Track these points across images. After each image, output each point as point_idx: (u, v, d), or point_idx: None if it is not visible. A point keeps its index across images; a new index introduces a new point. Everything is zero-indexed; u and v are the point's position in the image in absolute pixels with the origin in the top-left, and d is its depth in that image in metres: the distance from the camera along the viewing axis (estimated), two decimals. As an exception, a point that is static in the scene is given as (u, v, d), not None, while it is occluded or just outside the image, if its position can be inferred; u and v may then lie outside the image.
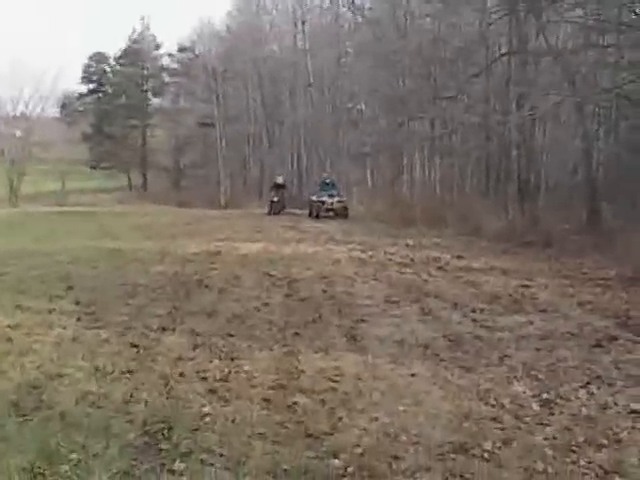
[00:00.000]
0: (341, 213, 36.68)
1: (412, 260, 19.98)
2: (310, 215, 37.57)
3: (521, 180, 31.37)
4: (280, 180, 43.48)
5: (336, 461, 6.50)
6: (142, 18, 78.00)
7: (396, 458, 6.58)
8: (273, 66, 62.58)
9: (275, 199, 41.32)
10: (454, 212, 30.60)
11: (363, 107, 51.05)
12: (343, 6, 54.98)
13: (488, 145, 35.45)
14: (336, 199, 37.73)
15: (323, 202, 37.32)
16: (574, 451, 6.74)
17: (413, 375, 9.08)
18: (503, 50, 33.82)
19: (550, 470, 6.36)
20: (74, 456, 6.44)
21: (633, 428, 7.27)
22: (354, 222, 31.36)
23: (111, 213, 44.26)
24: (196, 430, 7.17)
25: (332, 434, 7.13)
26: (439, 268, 18.49)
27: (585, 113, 27.77)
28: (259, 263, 19.26)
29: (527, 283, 15.95)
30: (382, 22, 46.95)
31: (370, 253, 21.61)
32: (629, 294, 14.58)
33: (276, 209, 40.77)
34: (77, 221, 35.74)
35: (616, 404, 8.00)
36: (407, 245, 23.38)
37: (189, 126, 70.69)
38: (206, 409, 7.77)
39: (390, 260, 20.17)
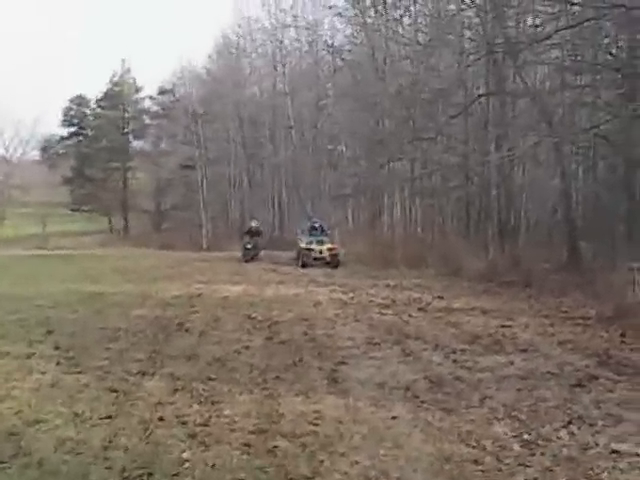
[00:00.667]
0: (332, 261, 32.88)
1: (393, 301, 19.98)
2: (298, 264, 33.61)
3: (501, 220, 31.55)
4: (254, 224, 40.22)
5: (317, 506, 6.49)
6: (123, 61, 78.36)
7: (377, 502, 6.56)
8: (253, 108, 62.83)
9: (248, 245, 38.00)
10: (434, 252, 30.68)
11: (343, 149, 51.17)
12: (322, 49, 55.36)
13: (468, 185, 35.64)
14: (326, 246, 33.97)
15: (311, 249, 33.63)
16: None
17: (394, 418, 9.06)
18: (481, 91, 34.07)
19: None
20: (52, 504, 6.39)
21: (614, 468, 7.27)
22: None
23: (92, 256, 44.12)
24: (175, 475, 7.13)
25: (313, 478, 7.10)
26: (420, 309, 18.49)
27: (563, 153, 27.96)
28: (240, 306, 19.23)
29: (508, 323, 15.97)
30: (362, 65, 47.29)
31: (351, 295, 21.60)
32: (609, 333, 14.63)
33: (248, 255, 37.43)
34: (58, 264, 35.63)
35: (597, 444, 8.00)
36: (388, 286, 23.40)
37: (170, 168, 70.72)
38: (186, 454, 7.72)
39: (371, 302, 20.16)
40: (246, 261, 36.57)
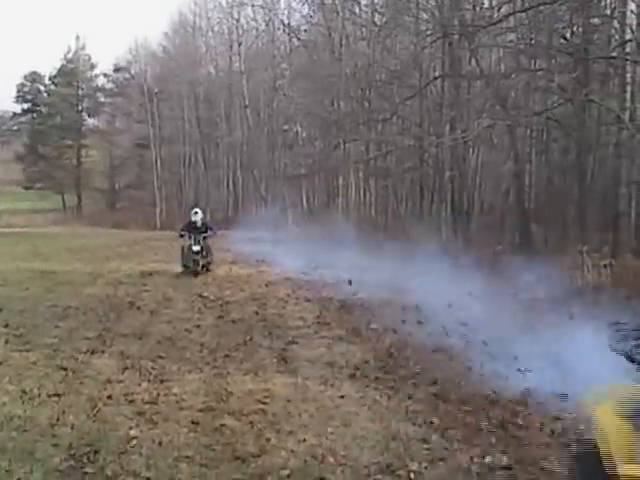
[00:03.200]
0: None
1: (344, 281, 20.03)
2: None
3: (454, 202, 31.66)
4: (198, 217, 24.04)
5: (263, 483, 6.52)
6: (77, 37, 77.43)
7: (323, 479, 6.61)
8: (209, 87, 62.47)
9: (195, 248, 22.77)
10: (388, 234, 30.77)
11: (299, 129, 51.03)
12: (279, 28, 55.08)
13: (422, 167, 35.72)
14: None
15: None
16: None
17: (342, 397, 9.13)
18: (437, 73, 34.16)
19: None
20: (-3, 481, 6.37)
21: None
22: (290, 245, 31.30)
23: (44, 234, 43.75)
24: (123, 453, 7.13)
25: (260, 456, 7.14)
26: (370, 290, 18.54)
27: (517, 136, 28.15)
28: (191, 285, 19.19)
29: (457, 304, 16.04)
30: (318, 45, 47.21)
31: (302, 275, 21.62)
32: (558, 314, 14.75)
33: (196, 265, 22.66)
34: (8, 242, 35.23)
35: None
36: (340, 267, 23.43)
37: (125, 147, 70.24)
38: (133, 432, 7.73)
39: (323, 282, 20.21)
40: (195, 274, 22.05)
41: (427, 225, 31.63)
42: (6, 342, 11.92)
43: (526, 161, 31.32)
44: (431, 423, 8.15)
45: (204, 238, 22.75)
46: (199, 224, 23.18)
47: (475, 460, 7.06)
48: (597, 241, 22.00)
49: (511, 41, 28.16)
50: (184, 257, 22.48)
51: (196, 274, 21.72)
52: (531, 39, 27.13)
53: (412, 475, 6.72)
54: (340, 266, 23.15)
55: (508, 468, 6.86)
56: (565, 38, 26.46)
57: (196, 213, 23.69)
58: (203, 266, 22.56)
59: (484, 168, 35.80)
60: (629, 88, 25.29)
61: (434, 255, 24.83)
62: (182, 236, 22.89)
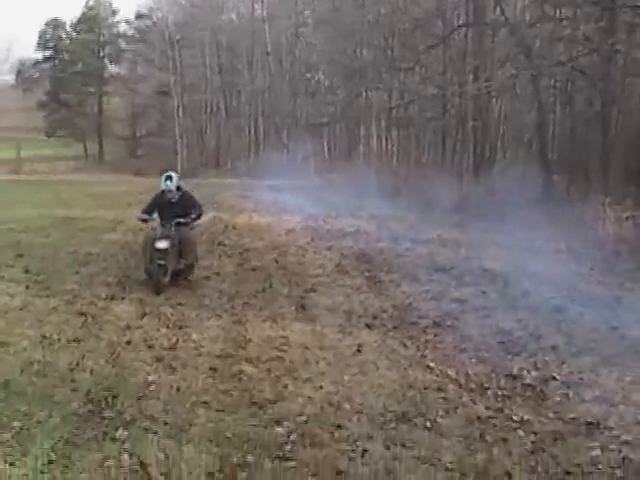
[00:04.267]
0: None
1: (365, 231, 19.99)
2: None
3: (477, 152, 31.51)
4: (173, 187, 13.50)
5: (279, 429, 6.55)
6: (98, -17, 76.99)
7: (339, 427, 6.64)
8: (231, 34, 62.05)
9: (161, 245, 12.61)
10: (410, 183, 30.63)
11: (321, 77, 50.77)
12: (301, -25, 54.64)
13: (445, 117, 35.48)
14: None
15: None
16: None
17: (360, 345, 9.14)
18: (460, 22, 33.82)
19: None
20: (17, 424, 6.43)
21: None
22: (311, 193, 31.23)
23: (66, 182, 43.77)
24: (141, 398, 7.19)
25: (276, 402, 7.20)
26: (391, 239, 18.50)
27: (540, 86, 27.86)
28: (212, 232, 19.17)
29: (478, 255, 16.01)
30: (341, -8, 46.76)
31: (322, 223, 21.58)
32: (579, 266, 14.70)
33: (160, 275, 12.45)
34: (31, 189, 35.31)
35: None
36: (360, 217, 23.37)
37: (146, 94, 69.85)
38: (152, 377, 7.80)
39: (342, 230, 20.16)
40: (156, 289, 12.28)
41: (449, 175, 31.50)
42: (27, 288, 11.98)
43: (549, 111, 31.06)
44: (448, 374, 8.17)
45: (178, 225, 12.91)
46: (174, 199, 13.27)
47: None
48: (620, 193, 21.81)
49: (536, -11, 27.83)
50: (146, 257, 12.84)
51: (158, 288, 12.10)
52: (556, -13, 26.81)
53: (428, 424, 6.74)
54: (361, 215, 23.13)
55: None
56: (591, -14, 26.09)
57: (169, 179, 13.36)
58: (177, 274, 12.84)
59: (507, 118, 35.57)
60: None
61: (456, 205, 24.82)
62: (145, 220, 13.47)
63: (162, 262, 12.34)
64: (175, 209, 13.12)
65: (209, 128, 64.64)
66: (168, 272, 12.42)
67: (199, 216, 13.52)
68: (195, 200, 13.68)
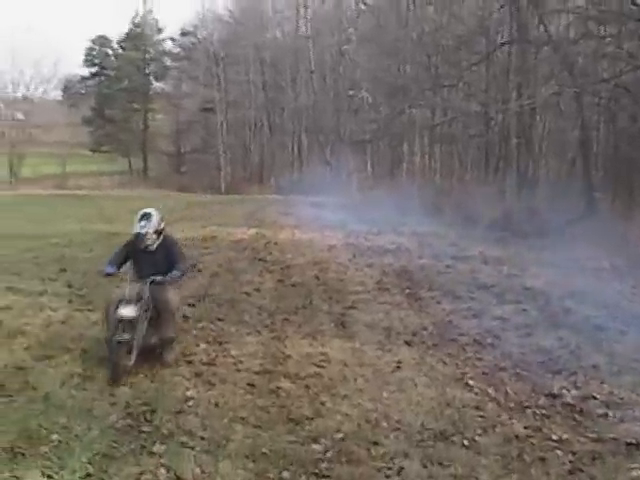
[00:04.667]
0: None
1: (406, 248, 19.95)
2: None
3: (520, 169, 31.39)
4: (150, 230, 9.82)
5: (316, 446, 6.55)
6: (144, 1, 77.87)
7: (375, 444, 6.63)
8: (275, 52, 62.42)
9: (125, 312, 8.83)
10: (452, 200, 30.56)
11: (364, 94, 50.80)
12: (345, -7, 54.87)
13: (488, 133, 35.40)
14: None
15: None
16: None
17: (399, 362, 9.12)
18: (504, 39, 33.75)
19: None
20: (55, 437, 6.50)
21: None
22: (353, 210, 31.20)
23: (110, 197, 44.17)
24: (179, 413, 7.23)
25: (314, 419, 7.20)
26: (432, 256, 18.45)
27: (584, 103, 27.68)
28: (253, 248, 19.24)
29: (520, 273, 15.93)
30: (384, 10, 46.89)
31: (363, 240, 21.57)
32: (622, 284, 14.56)
33: (118, 355, 8.48)
34: (75, 204, 35.70)
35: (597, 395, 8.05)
36: (402, 233, 23.32)
37: (190, 111, 70.39)
38: (190, 392, 7.84)
39: (383, 247, 20.14)
40: (114, 379, 8.30)
41: (492, 192, 31.39)
42: (69, 302, 12.10)
43: (593, 129, 30.85)
44: (487, 392, 8.12)
45: (154, 283, 9.41)
46: (152, 247, 9.89)
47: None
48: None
49: (580, 6, 27.71)
50: (105, 326, 9.27)
51: (116, 375, 8.38)
52: (600, 4, 26.65)
53: (466, 442, 6.71)
54: (402, 232, 23.09)
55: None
56: (635, 4, 25.88)
57: (145, 218, 9.94)
58: (148, 351, 9.19)
59: (550, 135, 35.39)
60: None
61: (498, 222, 24.70)
62: (109, 274, 9.89)
63: (126, 337, 8.66)
64: (153, 260, 9.69)
65: (253, 145, 64.90)
66: (134, 351, 8.77)
67: (185, 273, 10.04)
68: (180, 249, 10.20)
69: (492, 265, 16.96)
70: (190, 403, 7.51)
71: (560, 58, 26.68)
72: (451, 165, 41.51)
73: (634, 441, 6.77)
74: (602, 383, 8.46)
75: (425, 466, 6.24)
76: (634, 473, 6.16)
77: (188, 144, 73.26)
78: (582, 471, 6.18)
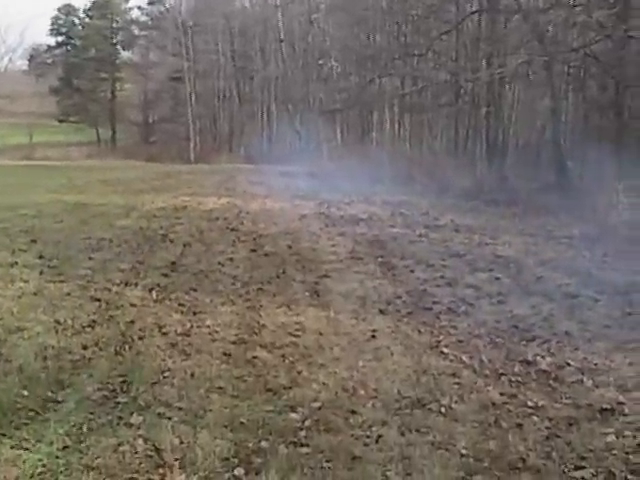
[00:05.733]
0: None
1: (379, 217, 19.98)
2: None
3: (489, 138, 31.46)
4: None
5: (294, 415, 6.54)
6: (111, -31, 76.99)
7: (353, 412, 6.62)
8: (244, 21, 62.08)
9: None
10: (423, 169, 30.60)
11: (334, 63, 50.68)
12: (315, -39, 54.56)
13: (457, 103, 35.44)
14: None
15: None
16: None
17: (374, 331, 9.13)
18: (473, 8, 33.74)
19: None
20: (31, 409, 6.43)
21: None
22: (324, 179, 31.17)
23: (79, 167, 43.82)
24: (155, 384, 7.17)
25: (291, 388, 7.17)
26: (405, 225, 18.51)
27: (554, 72, 27.74)
28: (225, 218, 19.19)
29: (491, 241, 16.00)
30: (354, -22, 46.66)
31: (334, 210, 21.56)
32: (592, 252, 14.64)
33: None
34: (44, 175, 35.36)
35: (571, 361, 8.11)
36: (373, 202, 23.34)
37: (159, 80, 69.92)
38: (166, 363, 7.78)
39: (355, 216, 20.15)
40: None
41: (462, 161, 31.50)
42: (40, 273, 11.98)
43: (563, 98, 30.99)
44: (462, 360, 8.15)
45: None
46: None
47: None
48: (634, 179, 21.75)
49: (550, -26, 27.71)
50: None
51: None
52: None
53: (443, 409, 6.72)
54: (374, 201, 23.12)
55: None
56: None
57: None
58: None
59: (520, 104, 35.49)
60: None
61: (469, 191, 24.79)
62: None
63: None
64: None
65: (222, 114, 64.68)
66: None
67: None
68: None
69: (464, 234, 17.04)
70: (166, 374, 7.45)
71: (530, 27, 26.71)
72: (421, 134, 41.57)
73: (609, 406, 6.81)
74: (576, 350, 8.50)
75: (403, 434, 6.23)
76: (609, 438, 6.19)
77: (157, 114, 72.87)
78: (559, 437, 6.20)
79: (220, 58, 62.63)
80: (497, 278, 12.24)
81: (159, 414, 6.47)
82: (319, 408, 6.68)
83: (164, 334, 8.84)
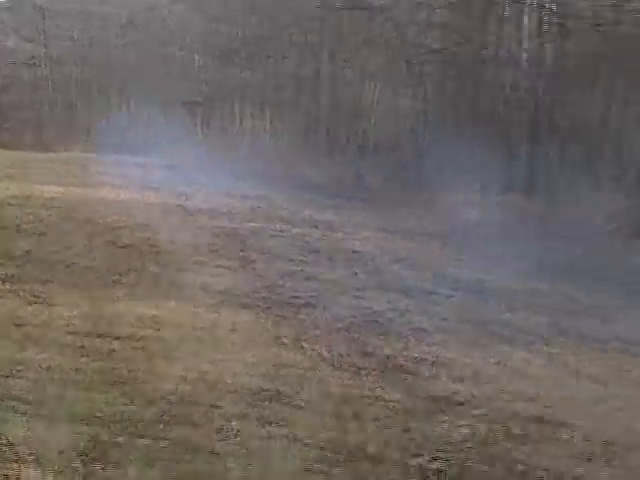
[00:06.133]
0: None
1: (238, 211, 19.93)
2: None
3: (349, 137, 31.75)
4: None
5: (152, 409, 6.49)
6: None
7: (212, 406, 6.62)
8: (101, 7, 60.93)
9: None
10: (282, 164, 30.67)
11: (196, 56, 50.35)
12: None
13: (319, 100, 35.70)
14: None
15: None
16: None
17: (234, 324, 9.13)
18: (339, 5, 33.93)
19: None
20: None
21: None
22: (183, 172, 30.79)
23: None
24: (7, 377, 6.99)
25: (149, 382, 7.10)
26: (264, 219, 18.50)
27: (414, 72, 28.20)
28: (80, 209, 18.80)
29: (349, 237, 16.19)
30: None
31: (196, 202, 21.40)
32: (446, 250, 14.93)
33: None
34: None
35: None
36: (233, 195, 23.25)
37: (13, 66, 68.16)
38: (19, 356, 7.59)
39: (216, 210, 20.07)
40: None
41: (322, 157, 31.74)
42: None
43: (423, 99, 31.52)
44: (320, 354, 8.23)
45: None
46: None
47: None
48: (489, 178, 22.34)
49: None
50: None
51: None
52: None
53: (302, 403, 6.78)
54: (234, 195, 23.06)
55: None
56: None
57: None
58: None
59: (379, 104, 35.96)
60: None
61: (329, 187, 25.00)
62: None
63: None
64: None
65: (78, 102, 63.33)
66: None
67: None
68: None
69: (323, 229, 17.17)
70: (19, 367, 7.29)
71: (392, 27, 27.07)
72: (282, 129, 41.64)
73: (462, 399, 7.02)
74: (431, 345, 8.71)
75: (262, 426, 6.27)
76: (463, 430, 6.37)
77: (10, 100, 70.91)
78: (415, 430, 6.35)
79: (75, 44, 61.31)
80: (355, 273, 12.44)
81: (12, 408, 6.31)
82: (178, 401, 6.64)
83: (18, 326, 8.63)
